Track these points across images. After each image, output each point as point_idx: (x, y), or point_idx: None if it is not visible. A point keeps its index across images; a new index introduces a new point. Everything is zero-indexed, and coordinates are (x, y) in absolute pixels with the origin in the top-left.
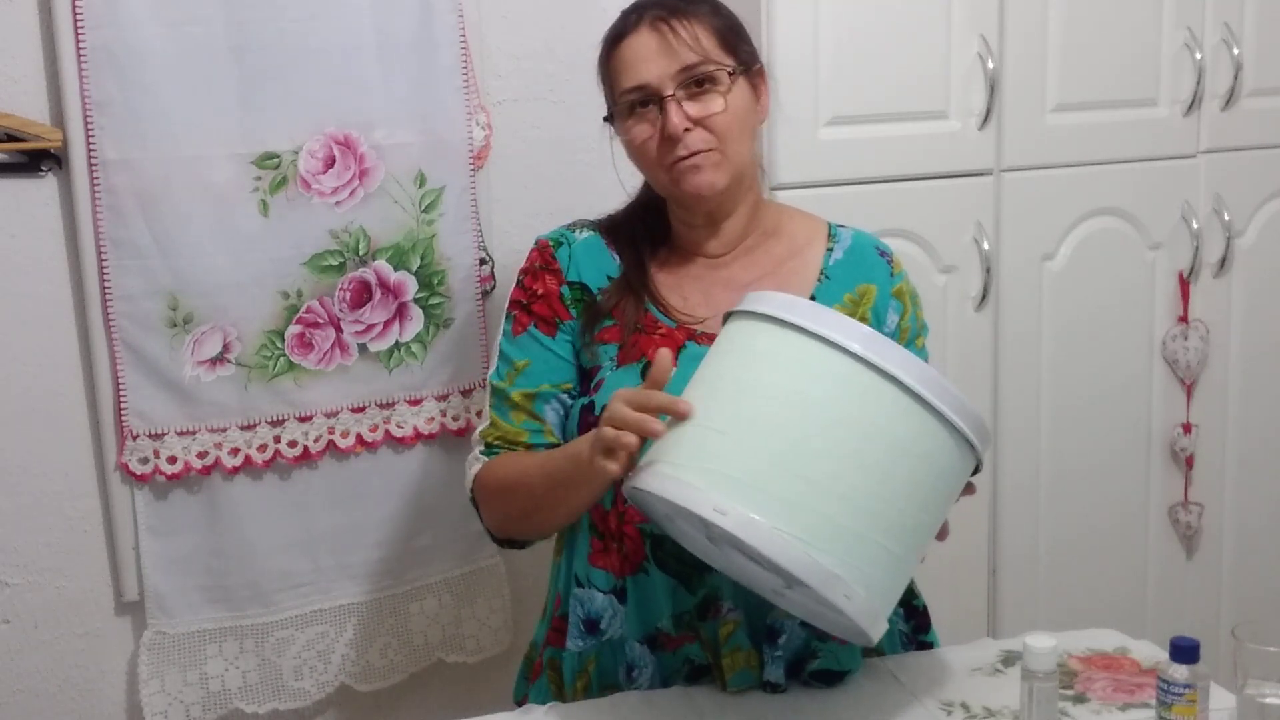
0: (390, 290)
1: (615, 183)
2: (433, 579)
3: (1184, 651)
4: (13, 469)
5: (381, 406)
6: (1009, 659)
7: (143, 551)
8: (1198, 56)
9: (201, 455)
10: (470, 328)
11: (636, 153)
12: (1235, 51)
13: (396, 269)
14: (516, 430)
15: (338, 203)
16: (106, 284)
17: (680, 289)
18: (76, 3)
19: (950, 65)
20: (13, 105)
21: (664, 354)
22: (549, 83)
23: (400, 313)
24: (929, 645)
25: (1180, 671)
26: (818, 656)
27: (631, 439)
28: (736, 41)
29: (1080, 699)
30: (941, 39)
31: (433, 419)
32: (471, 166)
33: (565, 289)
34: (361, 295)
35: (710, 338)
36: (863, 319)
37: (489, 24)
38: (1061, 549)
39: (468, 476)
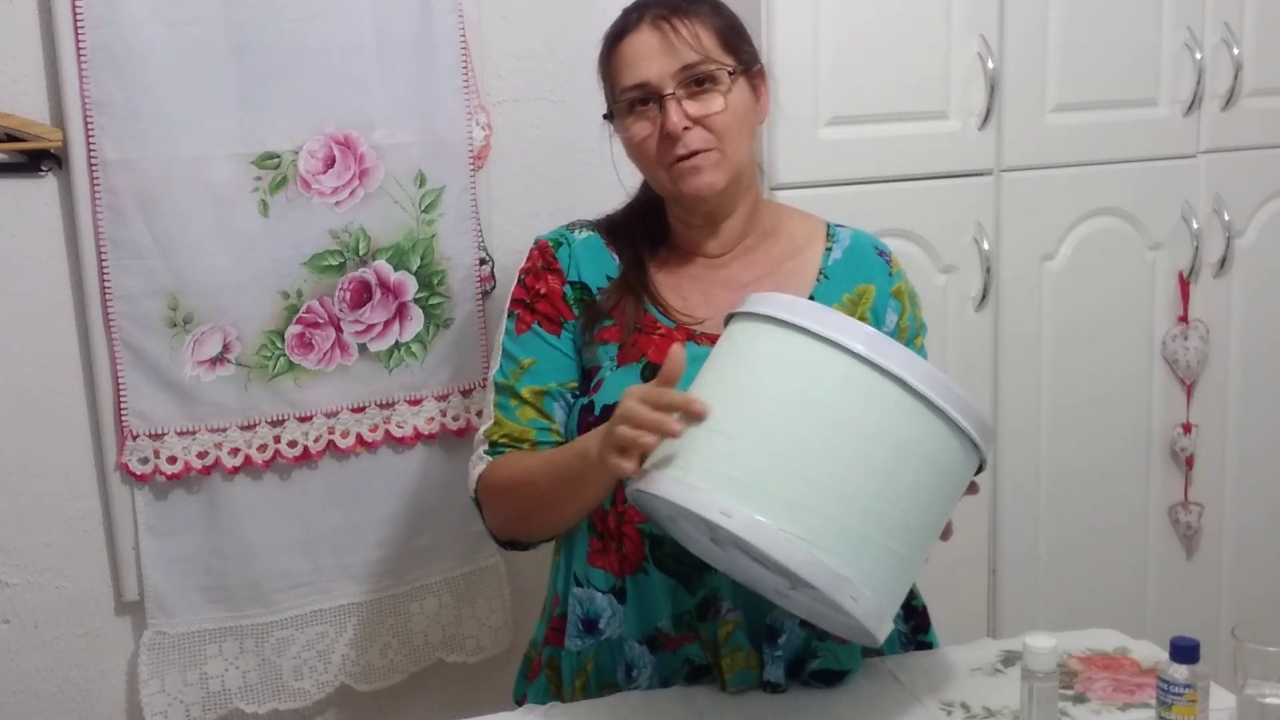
0: (390, 290)
1: (615, 183)
2: (433, 579)
3: (1184, 651)
4: (13, 469)
5: (381, 406)
6: (1009, 659)
7: (143, 551)
8: (1198, 56)
9: (201, 455)
10: (470, 328)
11: (635, 151)
12: (1235, 51)
13: (396, 269)
14: (524, 429)
15: (338, 203)
16: (106, 284)
17: (679, 289)
18: (76, 3)
19: (950, 65)
20: (13, 105)
21: (677, 351)
22: (549, 83)
23: (400, 313)
24: (928, 645)
25: (1180, 671)
26: (818, 656)
27: (649, 438)
28: (737, 41)
29: (1080, 699)
30: (941, 39)
31: (433, 419)
32: (471, 166)
33: (568, 288)
34: (361, 295)
35: (710, 338)
36: (861, 319)
37: (489, 24)
38: (1061, 549)
39: (471, 477)
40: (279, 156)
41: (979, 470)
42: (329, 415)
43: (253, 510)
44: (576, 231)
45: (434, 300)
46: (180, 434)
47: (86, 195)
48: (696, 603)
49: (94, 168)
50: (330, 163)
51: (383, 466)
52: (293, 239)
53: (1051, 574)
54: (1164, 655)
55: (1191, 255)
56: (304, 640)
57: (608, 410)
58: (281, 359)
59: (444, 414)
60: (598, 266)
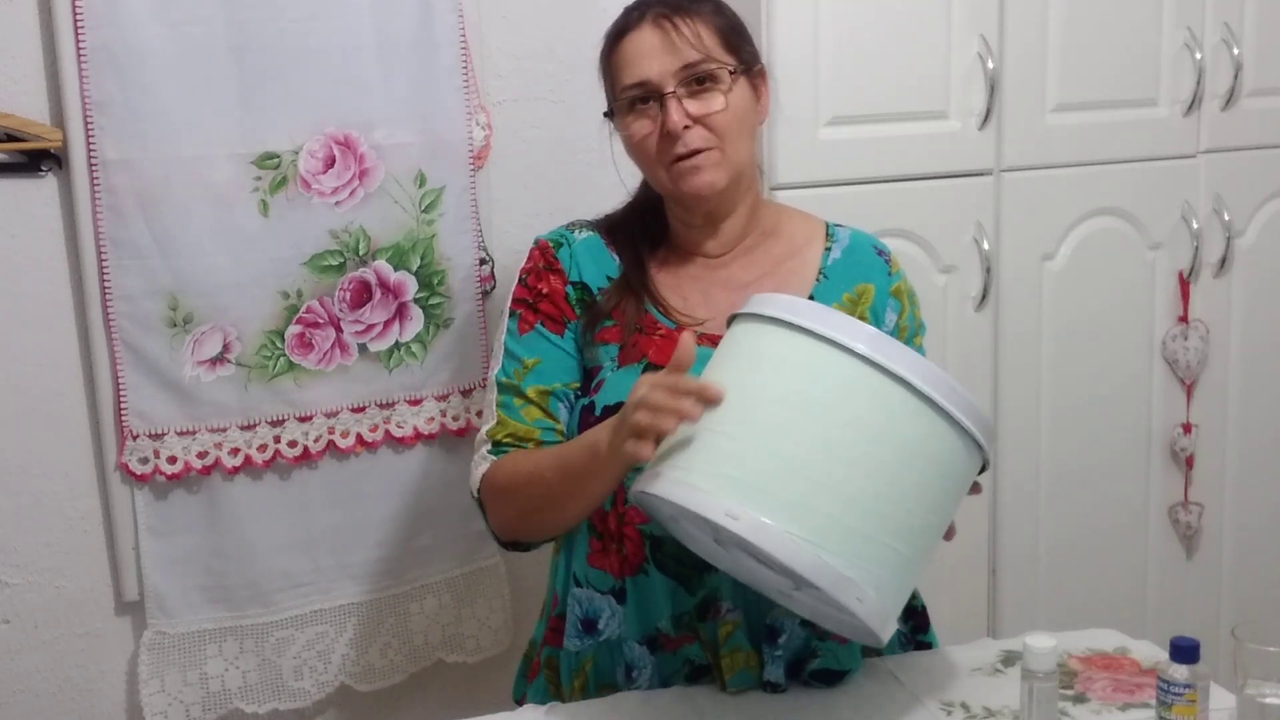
0: (390, 290)
1: (615, 183)
2: (433, 579)
3: (1184, 651)
4: (13, 469)
5: (381, 406)
6: (1009, 659)
7: (143, 551)
8: (1198, 56)
9: (201, 455)
10: (470, 328)
11: (635, 150)
12: (1235, 51)
13: (396, 269)
14: (529, 429)
15: (338, 203)
16: (106, 284)
17: (680, 289)
18: (76, 3)
19: (950, 65)
20: (13, 105)
21: (687, 339)
22: (549, 83)
23: (400, 313)
24: (927, 645)
25: (1180, 671)
26: (818, 656)
27: (667, 422)
28: (739, 41)
29: (1080, 699)
30: (941, 39)
31: (433, 419)
32: (471, 166)
33: (569, 289)
34: (361, 295)
35: (711, 339)
36: (861, 318)
37: (489, 24)
38: (1061, 549)
39: (474, 477)
40: (279, 156)
41: (982, 470)
42: (329, 415)
43: (253, 510)
44: (576, 232)
45: (434, 300)
46: (180, 434)
47: (86, 195)
48: (696, 603)
49: (94, 168)
50: (330, 163)
51: (383, 466)
52: (293, 239)
53: (1051, 574)
54: (1164, 655)
55: (1191, 255)
56: (304, 640)
57: (609, 411)
58: (281, 359)
59: (444, 414)
60: (598, 267)
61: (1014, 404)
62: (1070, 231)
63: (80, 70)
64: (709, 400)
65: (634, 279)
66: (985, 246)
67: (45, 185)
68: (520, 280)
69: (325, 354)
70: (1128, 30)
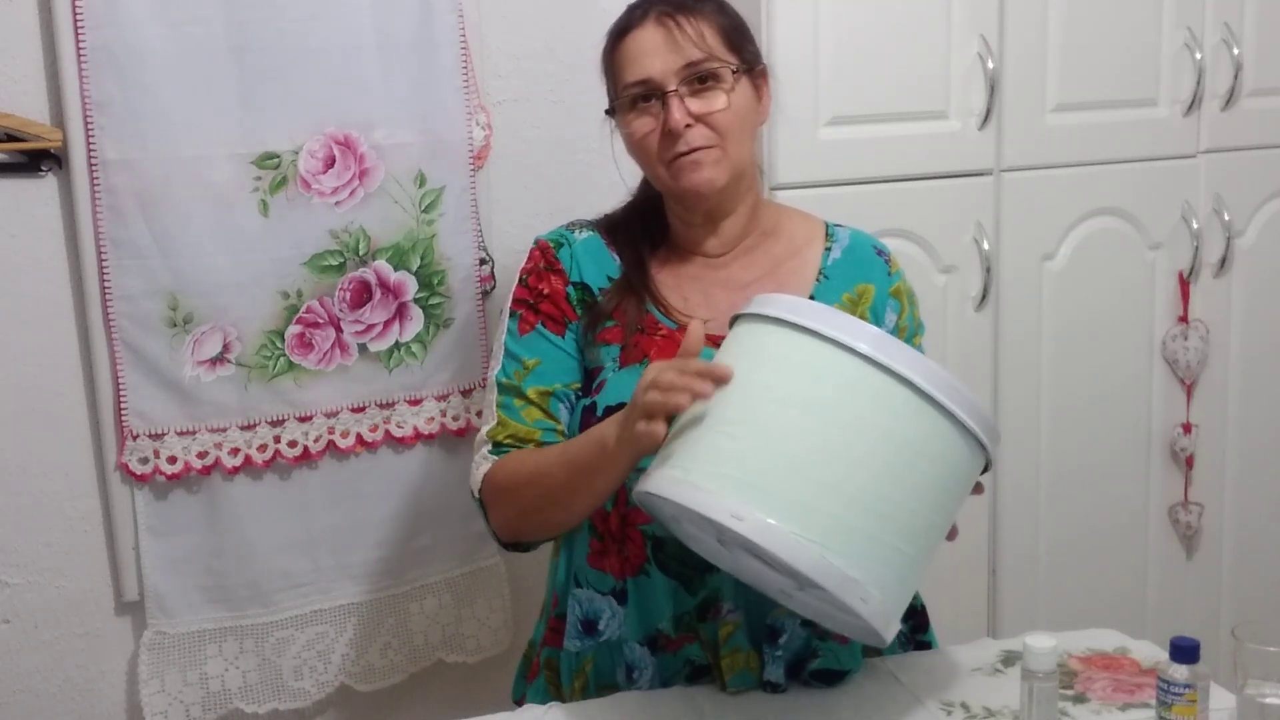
0: (390, 290)
1: (615, 183)
2: (433, 579)
3: (1184, 651)
4: (13, 469)
5: (381, 406)
6: (1009, 659)
7: (143, 551)
8: (1198, 56)
9: (201, 455)
10: (470, 328)
11: (636, 147)
12: (1235, 51)
13: (396, 269)
14: (529, 429)
15: (338, 203)
16: (106, 284)
17: (680, 289)
18: (76, 3)
19: (950, 65)
20: (13, 105)
21: (696, 327)
22: (549, 83)
23: (400, 313)
24: (927, 645)
25: (1180, 671)
26: (818, 656)
27: (681, 398)
28: (741, 41)
29: (1080, 699)
30: (941, 39)
31: (433, 419)
32: (471, 166)
33: (570, 289)
34: (361, 295)
35: (713, 339)
36: (861, 318)
37: (489, 24)
38: (1061, 549)
39: (474, 478)
40: (279, 156)
41: (984, 470)
42: (329, 415)
43: (253, 510)
44: (576, 232)
45: (434, 300)
46: (180, 434)
47: (86, 195)
48: (697, 604)
49: (94, 168)
50: (330, 163)
51: (383, 466)
52: (293, 239)
53: (1051, 574)
54: (1164, 655)
55: (1191, 255)
56: (304, 640)
57: (610, 411)
58: (281, 359)
59: (444, 414)
60: (599, 267)
61: (1014, 404)
62: (1070, 231)
63: (80, 70)
64: (719, 379)
65: (635, 279)
66: (985, 246)
67: (45, 185)
68: (521, 281)
69: (325, 354)
70: (1128, 30)
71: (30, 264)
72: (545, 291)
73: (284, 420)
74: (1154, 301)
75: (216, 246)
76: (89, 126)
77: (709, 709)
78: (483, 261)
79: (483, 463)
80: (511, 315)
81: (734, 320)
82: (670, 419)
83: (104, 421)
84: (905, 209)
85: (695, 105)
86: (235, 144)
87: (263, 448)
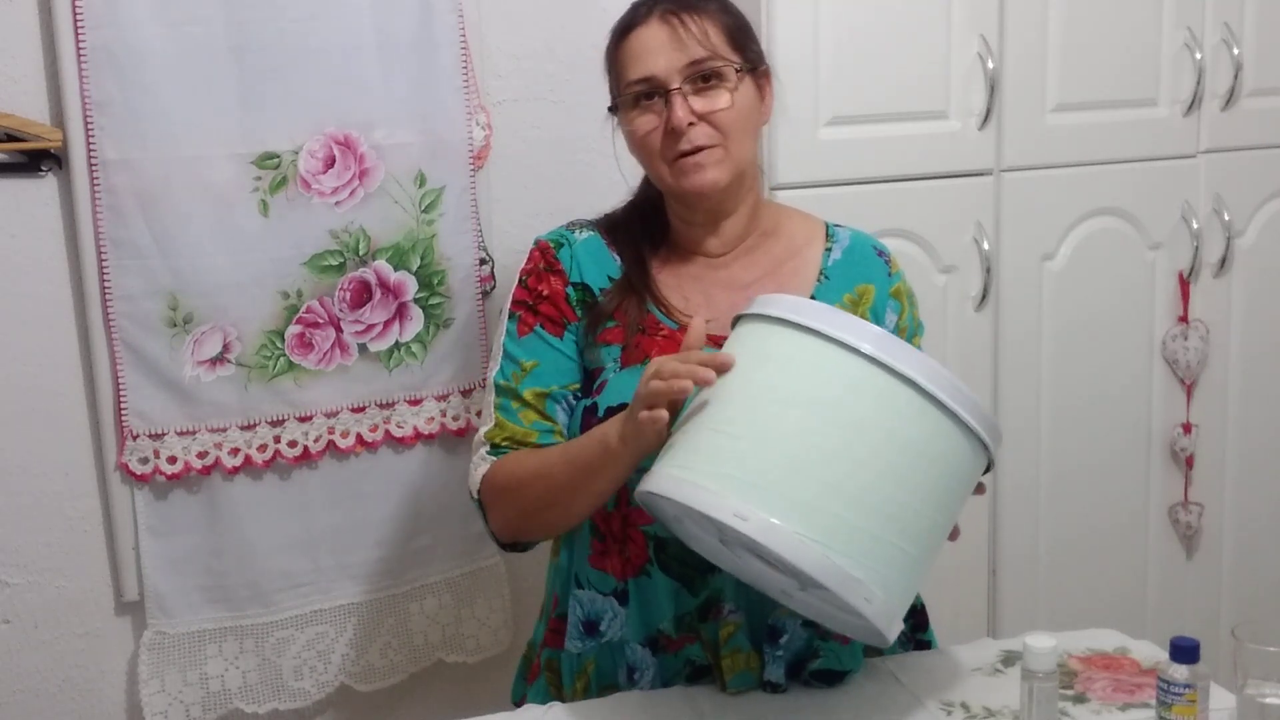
0: (390, 290)
1: (615, 183)
2: (433, 579)
3: (1184, 651)
4: (13, 469)
5: (381, 406)
6: (1009, 659)
7: (143, 551)
8: (1198, 56)
9: (201, 455)
10: (470, 328)
11: (638, 145)
12: (1235, 51)
13: (396, 269)
14: (526, 431)
15: (338, 203)
16: (106, 284)
17: (681, 289)
18: (76, 3)
19: (950, 65)
20: (13, 105)
21: (697, 323)
22: (549, 83)
23: (400, 313)
24: (926, 644)
25: (1180, 671)
26: (819, 656)
27: (684, 385)
28: (745, 40)
29: (1080, 699)
30: (941, 39)
31: (433, 419)
32: (471, 166)
33: (570, 290)
34: (361, 295)
35: (714, 339)
36: (861, 319)
37: (489, 24)
38: (1061, 549)
39: (473, 478)
40: (279, 156)
41: (986, 470)
42: (329, 415)
43: (253, 510)
44: (577, 232)
45: (434, 300)
46: (180, 434)
47: (86, 195)
48: (699, 604)
49: (94, 168)
50: (330, 163)
51: (383, 466)
52: (293, 239)
53: (1051, 574)
54: (1164, 655)
55: (1191, 255)
56: (304, 640)
57: (611, 412)
58: (281, 359)
59: (444, 414)
60: (599, 267)
61: (1014, 404)
62: (1070, 231)
63: (80, 70)
64: (721, 368)
65: (636, 279)
66: (985, 246)
67: (45, 185)
68: (520, 281)
69: (325, 354)
70: (1128, 30)
71: (30, 264)
72: (544, 293)
73: (284, 420)
74: (1154, 301)
75: (216, 246)
76: (89, 126)
77: (709, 709)
78: (483, 261)
79: (481, 464)
80: (510, 317)
81: (736, 320)
82: (673, 410)
83: (104, 421)
84: (905, 209)
85: (698, 104)
86: (235, 144)
87: (263, 448)
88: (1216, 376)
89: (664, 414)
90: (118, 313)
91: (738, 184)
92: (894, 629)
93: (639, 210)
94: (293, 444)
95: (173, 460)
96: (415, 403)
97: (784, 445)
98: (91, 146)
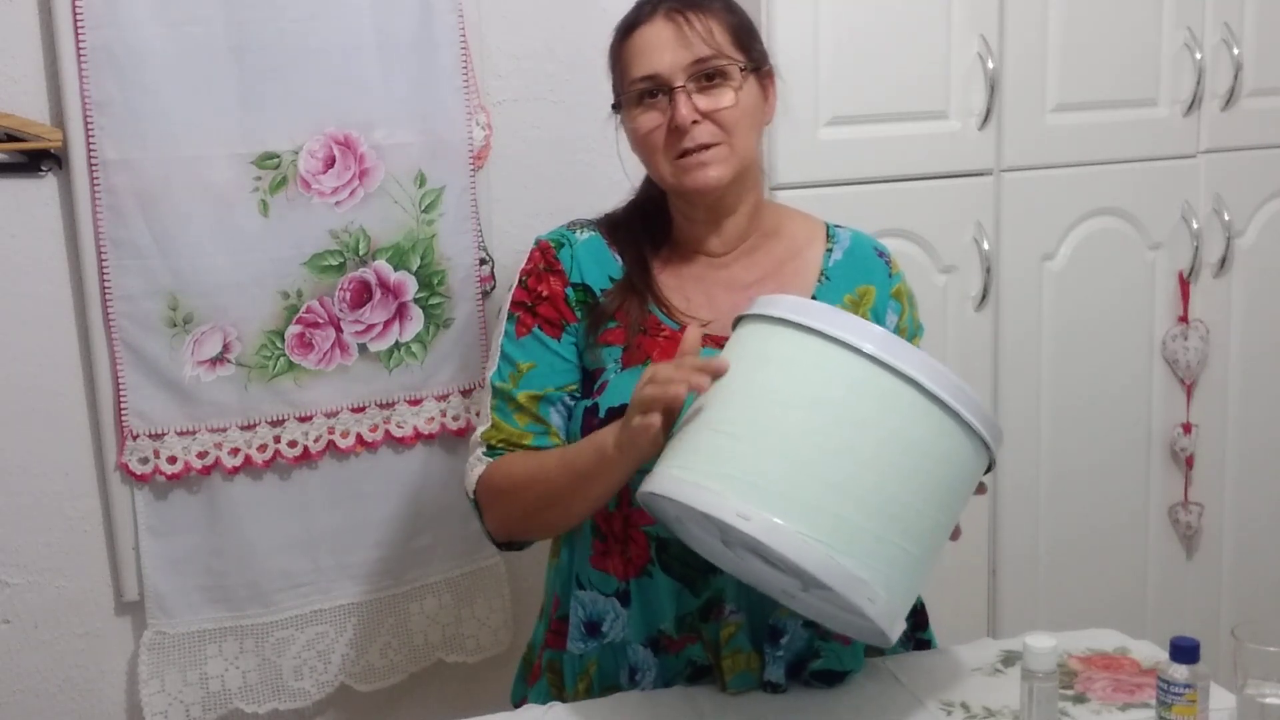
0: (390, 290)
1: (615, 183)
2: (433, 579)
3: (1184, 651)
4: (13, 469)
5: (381, 406)
6: (1009, 659)
7: (143, 551)
8: (1198, 56)
9: (201, 455)
10: (470, 328)
11: (641, 143)
12: (1235, 51)
13: (396, 269)
14: (520, 433)
15: (338, 203)
16: (106, 284)
17: (682, 290)
18: (76, 3)
19: (950, 65)
20: (13, 105)
21: (692, 330)
22: (549, 83)
23: (400, 313)
24: (926, 643)
25: (1180, 671)
26: (820, 656)
27: (679, 390)
28: (749, 40)
29: (1080, 699)
30: (941, 39)
31: (433, 419)
32: (471, 166)
33: (570, 291)
34: (361, 295)
35: (715, 339)
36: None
37: (489, 24)
38: (1061, 549)
39: (469, 478)
40: (279, 156)
41: (987, 470)
42: (329, 415)
43: (253, 510)
44: (578, 231)
45: (434, 300)
46: (180, 434)
47: (86, 195)
48: (700, 604)
49: (94, 168)
50: (330, 163)
51: (383, 466)
52: (293, 239)
53: (1051, 574)
54: (1164, 655)
55: (1191, 255)
56: (304, 640)
57: (612, 412)
58: (281, 359)
59: (444, 414)
60: (600, 268)
61: (1014, 404)
62: (1070, 231)
63: (80, 70)
64: (715, 373)
65: (638, 280)
66: (985, 246)
67: (45, 185)
68: (520, 282)
69: (325, 354)
70: (1128, 30)
71: (30, 264)
72: (544, 294)
73: (284, 420)
74: (1154, 301)
75: (216, 246)
76: (89, 126)
77: (709, 709)
78: (483, 261)
79: (477, 464)
80: (509, 318)
81: (737, 321)
82: (669, 416)
83: (104, 421)
84: (905, 209)
85: (702, 102)
86: (235, 144)
87: (263, 448)
88: (1216, 376)
89: (657, 420)
90: (118, 313)
91: (740, 183)
92: (896, 629)
93: (640, 210)
94: (293, 444)
95: (173, 460)
96: (415, 403)
97: (786, 446)
98: (91, 146)
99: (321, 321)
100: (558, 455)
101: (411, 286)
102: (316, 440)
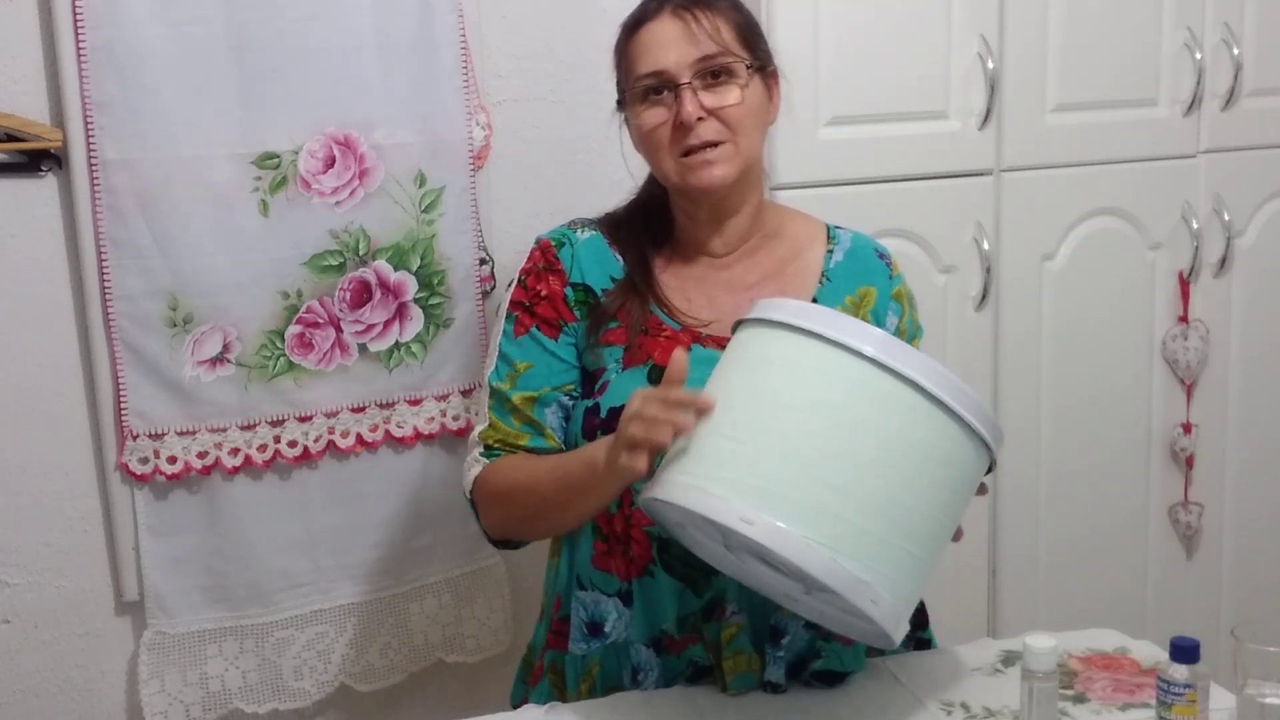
0: (390, 290)
1: (615, 183)
2: (433, 579)
3: (1184, 651)
4: (13, 469)
5: (381, 406)
6: (1009, 659)
7: (143, 551)
8: (1198, 56)
9: (201, 455)
10: (470, 328)
11: (645, 140)
12: (1235, 51)
13: (396, 269)
14: (516, 433)
15: (338, 203)
16: (106, 284)
17: (684, 290)
18: (76, 3)
19: (950, 65)
20: (13, 105)
21: (679, 354)
22: (549, 83)
23: (400, 313)
24: (926, 643)
25: (1180, 671)
26: (821, 656)
27: (662, 434)
28: (755, 39)
29: (1080, 699)
30: (941, 39)
31: (433, 419)
32: (471, 166)
33: (569, 290)
34: (361, 295)
35: (716, 340)
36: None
37: (489, 24)
38: (1061, 549)
39: (466, 478)
40: (279, 156)
41: (988, 471)
42: (329, 415)
43: (253, 510)
44: (579, 231)
45: (434, 300)
46: (180, 434)
47: (86, 195)
48: (702, 605)
49: (94, 168)
50: (330, 163)
51: (383, 466)
52: (293, 239)
53: (1051, 574)
54: (1164, 655)
55: (1191, 255)
56: (304, 640)
57: (614, 412)
58: (281, 359)
59: (444, 414)
60: (601, 267)
61: (1014, 404)
62: (1070, 231)
63: (80, 70)
64: (701, 410)
65: (639, 280)
66: (985, 246)
67: (45, 185)
68: (519, 282)
69: (325, 354)
70: (1128, 30)
71: (30, 264)
72: (543, 293)
73: (284, 420)
74: (1154, 301)
75: (216, 246)
76: (89, 126)
77: (709, 709)
78: (483, 261)
79: (474, 465)
80: (508, 317)
81: (737, 325)
82: (653, 455)
83: (104, 421)
84: (905, 209)
85: (708, 99)
86: (235, 144)
87: (263, 448)
88: (1216, 376)
89: (643, 463)
90: (118, 313)
91: (743, 182)
92: (900, 631)
93: (642, 210)
94: (293, 444)
95: (173, 460)
96: (415, 403)
97: (788, 449)
98: (91, 146)
99: (321, 321)
100: (551, 464)
101: (411, 286)
102: (316, 440)
